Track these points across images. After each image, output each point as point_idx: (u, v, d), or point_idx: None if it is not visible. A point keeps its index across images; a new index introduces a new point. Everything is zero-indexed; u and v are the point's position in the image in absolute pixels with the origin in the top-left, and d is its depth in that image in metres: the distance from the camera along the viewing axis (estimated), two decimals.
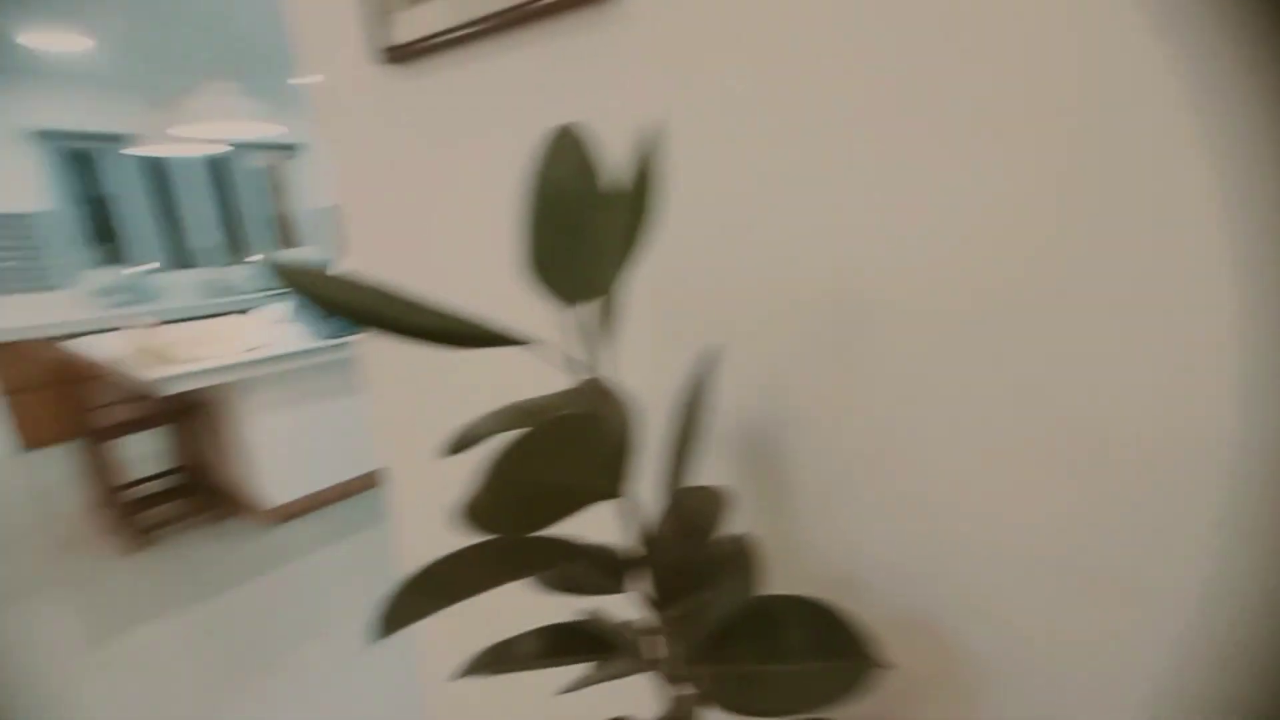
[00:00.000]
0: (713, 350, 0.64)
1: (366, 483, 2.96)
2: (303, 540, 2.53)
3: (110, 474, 2.67)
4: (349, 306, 0.47)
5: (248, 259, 5.36)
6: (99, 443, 2.64)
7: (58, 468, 3.59)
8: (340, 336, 2.68)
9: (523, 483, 0.42)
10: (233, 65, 3.83)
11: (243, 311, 4.03)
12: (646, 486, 0.69)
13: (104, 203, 4.56)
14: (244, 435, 2.60)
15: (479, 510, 0.42)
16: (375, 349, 1.20)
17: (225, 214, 5.19)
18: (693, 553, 0.59)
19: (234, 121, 2.43)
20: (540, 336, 0.77)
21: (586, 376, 0.53)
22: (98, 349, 2.66)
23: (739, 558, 0.62)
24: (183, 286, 4.84)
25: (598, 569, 0.59)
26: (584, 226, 0.54)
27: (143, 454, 3.44)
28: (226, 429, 2.71)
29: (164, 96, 2.96)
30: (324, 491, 2.80)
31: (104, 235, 4.57)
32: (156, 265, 4.76)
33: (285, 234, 5.71)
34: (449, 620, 1.29)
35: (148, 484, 2.88)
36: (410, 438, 1.18)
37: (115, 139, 4.44)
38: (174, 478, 3.08)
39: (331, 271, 0.48)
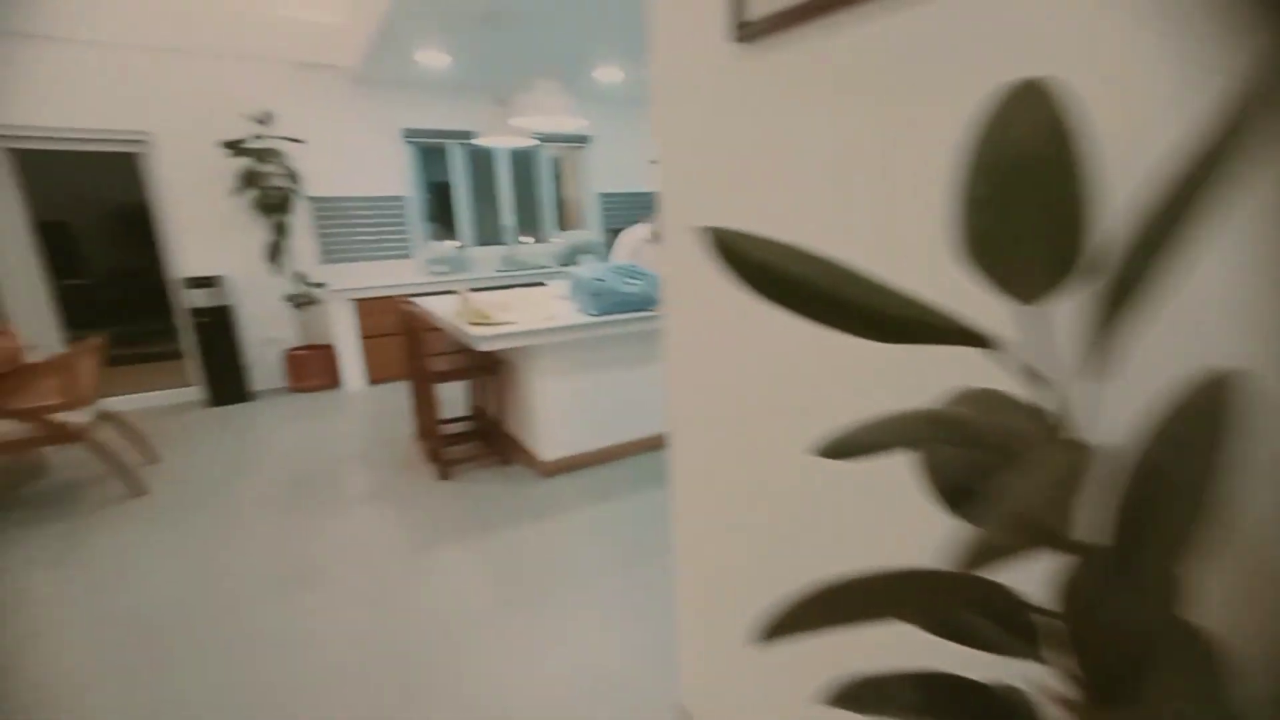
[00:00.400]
0: (1234, 377, 0.46)
1: (625, 450, 3.17)
2: (570, 495, 2.80)
3: (430, 411, 3.25)
4: (789, 277, 0.43)
5: (538, 237, 6.13)
6: (425, 384, 3.24)
7: (393, 400, 4.51)
8: (610, 314, 2.89)
9: (1027, 526, 0.34)
10: (553, 66, 4.37)
11: (540, 284, 4.66)
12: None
13: (442, 189, 5.58)
14: (530, 394, 2.95)
15: (980, 549, 0.34)
16: (680, 320, 1.21)
17: (522, 198, 5.99)
18: (1144, 628, 0.45)
19: (553, 116, 2.74)
20: (1001, 336, 0.66)
21: (1050, 396, 0.42)
22: (435, 308, 3.24)
23: (1201, 652, 0.46)
24: (488, 259, 5.72)
25: (1007, 622, 0.49)
26: (1054, 202, 0.43)
27: (448, 399, 4.15)
28: (516, 387, 3.11)
29: (501, 96, 3.53)
30: (589, 454, 3.07)
31: (439, 215, 5.61)
32: (468, 242, 5.71)
33: (567, 216, 6.41)
34: (711, 595, 1.28)
35: (453, 424, 3.47)
36: (700, 411, 1.17)
37: (457, 135, 5.40)
38: (470, 422, 3.66)
39: (777, 239, 0.44)
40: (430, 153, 5.46)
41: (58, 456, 3.46)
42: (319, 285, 4.73)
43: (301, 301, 4.72)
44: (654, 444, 3.27)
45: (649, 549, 2.35)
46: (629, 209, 6.48)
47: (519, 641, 1.86)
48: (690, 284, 1.13)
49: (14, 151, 3.98)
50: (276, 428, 4.01)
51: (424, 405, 3.31)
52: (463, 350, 3.19)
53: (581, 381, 2.98)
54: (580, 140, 6.11)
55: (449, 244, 5.53)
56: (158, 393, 4.61)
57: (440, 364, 3.00)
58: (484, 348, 2.58)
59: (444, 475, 3.03)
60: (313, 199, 4.81)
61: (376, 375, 4.93)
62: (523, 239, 6.08)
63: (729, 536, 1.13)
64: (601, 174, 6.31)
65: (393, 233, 5.25)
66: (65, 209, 6.40)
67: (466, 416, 3.66)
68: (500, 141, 3.57)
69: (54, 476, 3.27)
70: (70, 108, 3.99)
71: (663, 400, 1.10)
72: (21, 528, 2.70)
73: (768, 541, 1.03)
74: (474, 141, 5.24)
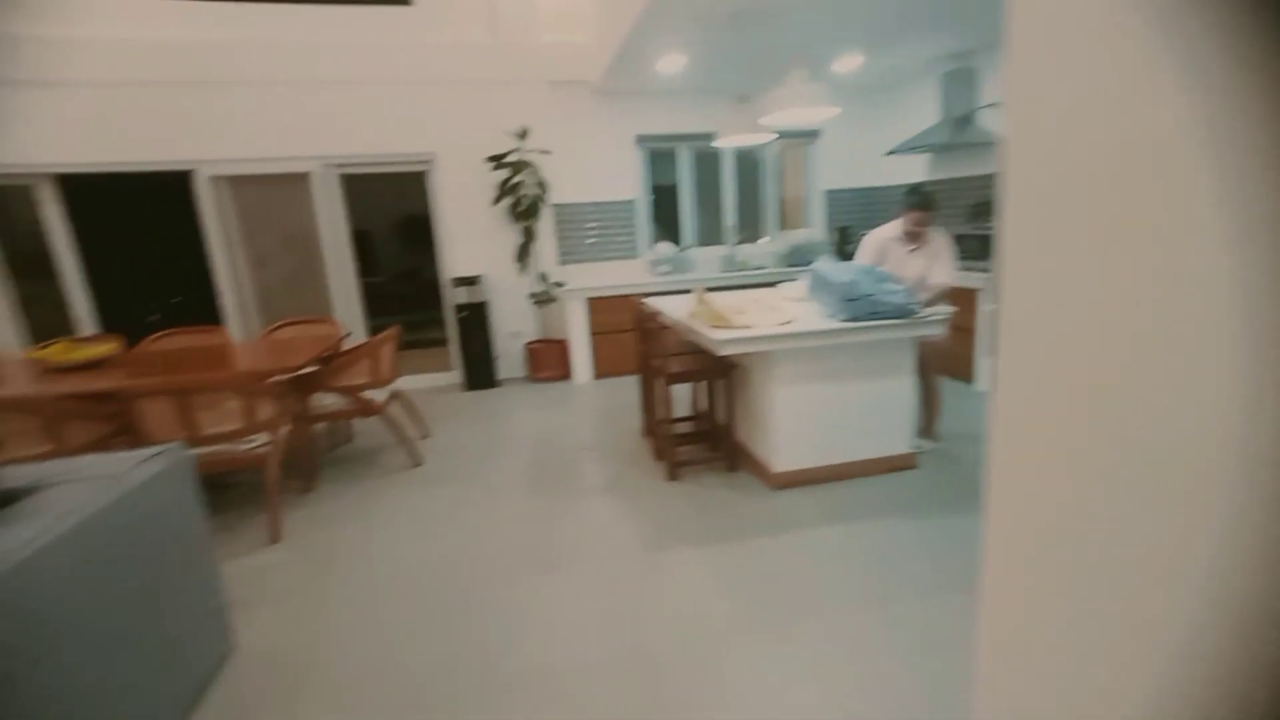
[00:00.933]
0: None
1: (859, 469, 2.91)
2: (803, 512, 2.63)
3: (658, 410, 3.30)
4: None
5: (758, 237, 6.00)
6: (656, 383, 3.29)
7: (618, 395, 4.72)
8: (857, 320, 2.64)
9: None
10: (794, 59, 4.20)
11: (765, 285, 4.54)
12: None
13: (666, 191, 5.72)
14: (764, 401, 2.84)
15: None
16: (1024, 304, 0.97)
17: (744, 198, 5.90)
18: None
19: (808, 108, 2.59)
20: None
21: None
22: (667, 307, 3.28)
23: None
24: (709, 260, 5.73)
25: None
26: None
27: (674, 397, 4.20)
28: (749, 392, 3.01)
29: (744, 94, 3.47)
30: (821, 469, 2.86)
31: (663, 217, 5.76)
32: (690, 242, 5.77)
33: (788, 215, 6.18)
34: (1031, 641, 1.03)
35: (680, 424, 3.49)
36: (1044, 437, 0.92)
37: (686, 137, 5.49)
38: (695, 423, 3.66)
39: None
40: (658, 157, 5.62)
41: (360, 426, 4.18)
42: (559, 284, 5.12)
43: (542, 299, 5.16)
44: (892, 465, 2.95)
45: (900, 584, 2.08)
46: (857, 206, 6.05)
47: (764, 668, 1.75)
48: (1052, 259, 0.89)
49: (343, 176, 4.91)
50: (519, 413, 4.41)
51: (653, 403, 3.37)
52: (696, 351, 3.18)
53: (820, 391, 2.78)
54: (809, 135, 5.84)
55: (670, 245, 5.64)
56: (427, 375, 5.39)
57: (673, 364, 3.02)
58: (724, 352, 2.52)
59: (672, 475, 3.05)
60: (556, 205, 5.22)
61: (603, 369, 5.20)
62: (742, 240, 5.99)
63: (1064, 573, 0.88)
64: (829, 170, 5.97)
65: (621, 235, 5.51)
66: (367, 220, 7.85)
67: (692, 417, 3.66)
68: (738, 141, 3.50)
69: (358, 443, 3.95)
70: (380, 138, 4.81)
71: (991, 402, 0.88)
72: (335, 484, 3.29)
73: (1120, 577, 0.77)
74: (712, 143, 5.31)
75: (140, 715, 1.47)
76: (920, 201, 2.97)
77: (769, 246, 5.92)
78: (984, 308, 3.99)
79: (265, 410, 2.67)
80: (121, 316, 5.05)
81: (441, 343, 5.47)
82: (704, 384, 3.46)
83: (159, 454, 1.73)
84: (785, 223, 6.15)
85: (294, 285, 5.05)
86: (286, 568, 2.46)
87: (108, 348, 3.14)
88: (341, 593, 2.26)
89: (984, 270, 4.02)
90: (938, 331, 2.80)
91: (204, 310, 4.97)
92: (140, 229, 5.89)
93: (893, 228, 3.19)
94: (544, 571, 2.32)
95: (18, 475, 1.56)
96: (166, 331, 3.76)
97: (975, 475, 2.91)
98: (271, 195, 4.83)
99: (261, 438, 2.74)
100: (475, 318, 5.01)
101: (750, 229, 6.02)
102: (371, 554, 2.53)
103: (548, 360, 5.21)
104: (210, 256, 4.76)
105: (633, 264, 5.56)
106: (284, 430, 2.83)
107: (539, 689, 1.73)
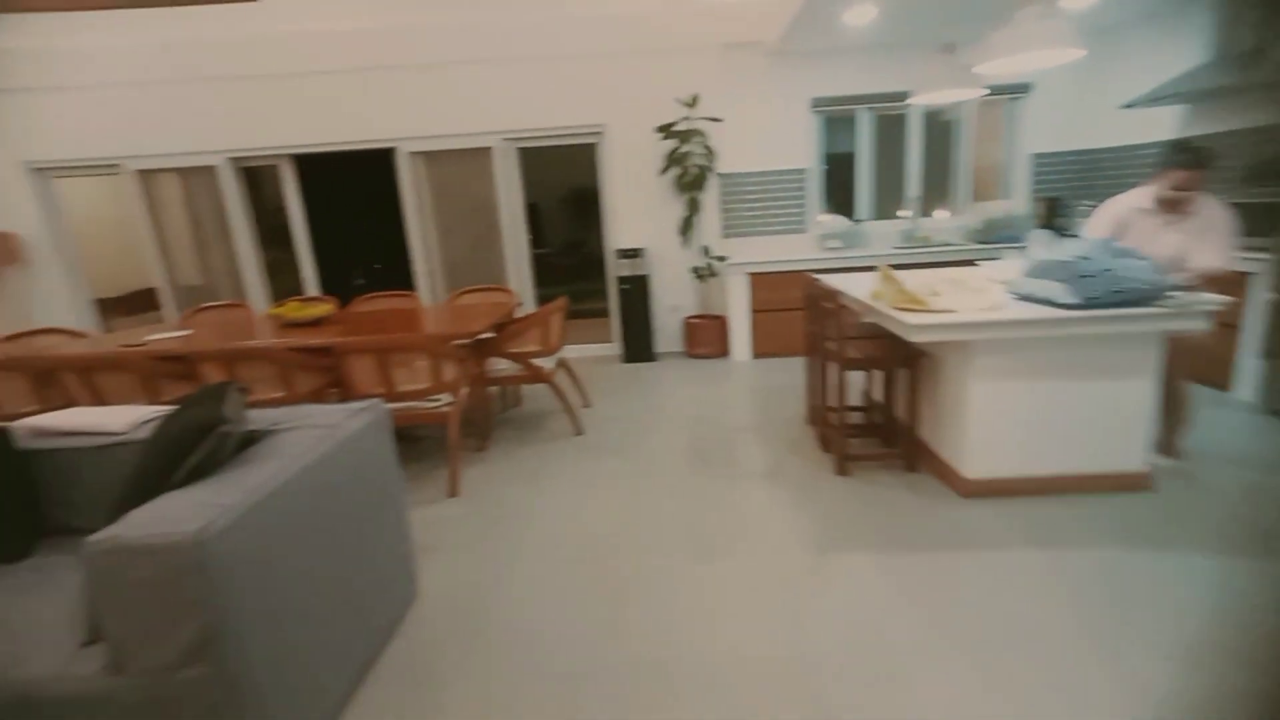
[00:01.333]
0: None
1: (1073, 485, 2.47)
2: (1001, 528, 2.28)
3: (829, 396, 3.06)
4: None
5: (946, 209, 5.36)
6: (826, 367, 3.05)
7: (778, 375, 4.50)
8: (1094, 305, 2.20)
9: None
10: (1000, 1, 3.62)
11: (955, 263, 4.04)
12: None
13: (839, 159, 5.29)
14: (958, 396, 2.49)
15: None
16: None
17: (931, 165, 5.28)
18: None
19: (1045, 49, 2.15)
20: None
21: None
22: (843, 286, 3.00)
23: None
24: (885, 235, 5.23)
25: None
26: None
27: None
28: (938, 384, 2.68)
29: (948, 43, 3.02)
30: (1024, 480, 2.47)
31: (836, 187, 5.33)
32: (865, 215, 5.30)
33: (982, 185, 5.44)
34: None
35: (851, 413, 3.21)
36: None
37: (869, 99, 5.01)
38: (868, 414, 3.36)
39: None
40: (833, 122, 5.19)
41: (527, 391, 4.39)
42: (721, 259, 4.97)
43: (704, 274, 5.04)
44: (1120, 483, 2.46)
45: (1131, 635, 1.71)
46: (1072, 173, 5.16)
47: (962, 700, 1.52)
48: None
49: (520, 150, 5.13)
50: (677, 388, 4.37)
51: (822, 388, 3.14)
52: (875, 335, 2.89)
53: (1031, 389, 2.38)
54: (1017, 91, 5.05)
55: (840, 219, 5.21)
56: (588, 345, 5.54)
57: (851, 349, 2.76)
58: (918, 338, 2.23)
59: (841, 470, 2.81)
60: (722, 175, 5.04)
61: (762, 348, 5.00)
62: (925, 212, 5.39)
63: None
64: (1038, 131, 5.14)
65: (789, 207, 5.21)
66: (536, 193, 8.24)
67: (864, 406, 3.37)
68: (938, 98, 3.07)
69: (525, 407, 4.16)
70: (555, 111, 4.93)
71: None
72: (506, 444, 3.47)
73: None
74: (903, 103, 4.81)
75: (338, 655, 1.62)
76: (1191, 159, 2.37)
77: (958, 220, 5.27)
78: (1259, 297, 3.19)
79: (449, 371, 2.86)
80: (335, 279, 5.76)
81: (602, 314, 5.59)
82: (881, 372, 3.15)
83: (365, 408, 1.88)
84: (978, 193, 5.42)
85: (474, 254, 5.41)
86: (462, 521, 2.63)
87: (326, 308, 3.56)
88: (511, 550, 2.36)
89: (1262, 250, 3.21)
90: (1201, 326, 2.25)
91: (400, 275, 5.51)
92: (351, 202, 6.66)
93: (1139, 195, 2.61)
94: (704, 558, 2.24)
95: (260, 418, 1.78)
96: (370, 295, 4.19)
97: (1233, 506, 2.34)
98: (458, 169, 5.18)
99: (445, 397, 2.95)
100: (636, 290, 5.03)
101: (936, 200, 5.39)
102: (538, 516, 2.62)
103: (706, 336, 5.11)
104: (406, 226, 5.24)
105: (799, 238, 5.23)
106: (464, 391, 3.01)
107: (699, 678, 1.66)
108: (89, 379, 2.77)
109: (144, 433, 1.81)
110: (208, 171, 5.14)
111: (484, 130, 4.99)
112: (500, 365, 3.55)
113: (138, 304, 5.59)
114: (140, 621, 1.19)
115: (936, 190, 5.37)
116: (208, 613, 1.18)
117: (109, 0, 4.14)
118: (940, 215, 5.35)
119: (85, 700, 1.23)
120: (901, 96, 4.92)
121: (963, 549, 2.17)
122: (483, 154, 5.10)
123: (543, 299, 5.36)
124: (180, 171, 5.18)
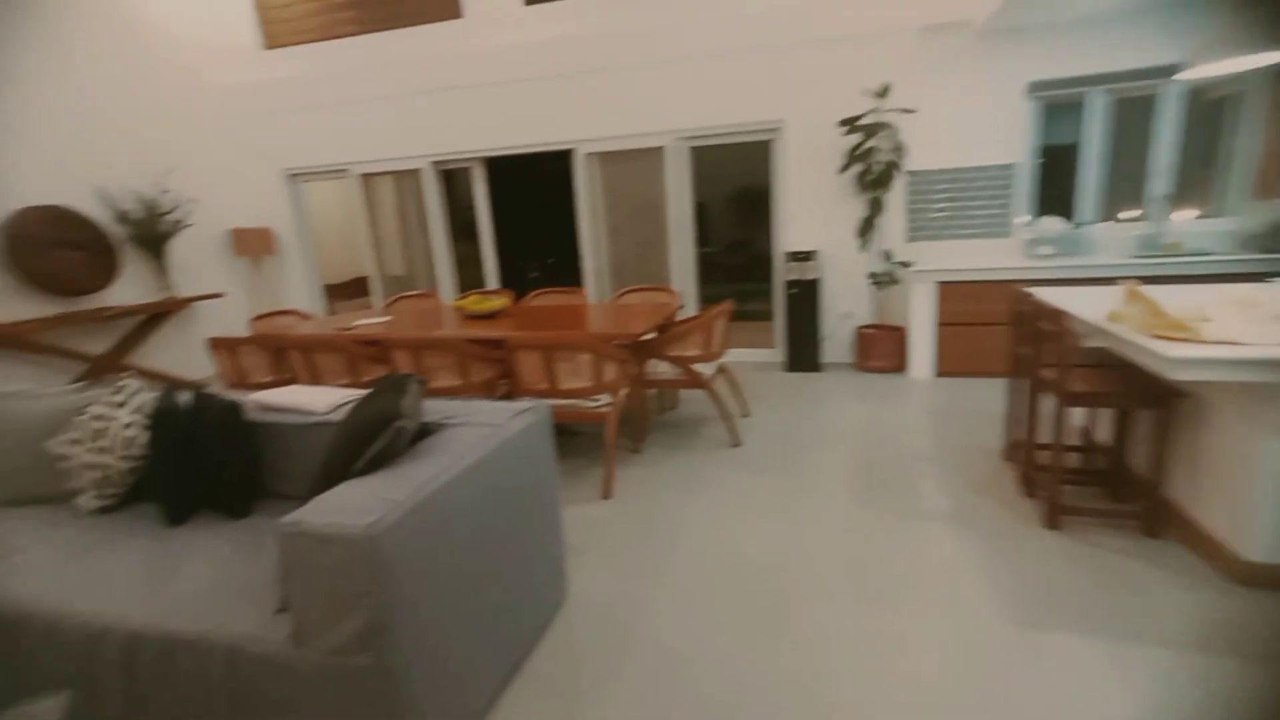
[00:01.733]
0: None
1: None
2: None
3: (1035, 430, 2.58)
4: None
5: (1184, 210, 4.36)
6: (1036, 396, 2.57)
7: (965, 398, 3.95)
8: None
9: None
10: None
11: (1223, 278, 3.17)
12: None
13: (1057, 152, 4.51)
14: (1240, 452, 1.94)
15: None
16: None
17: (1188, 156, 4.31)
18: None
19: None
20: None
21: None
22: (1065, 302, 2.50)
23: None
24: (1116, 241, 4.38)
25: None
26: None
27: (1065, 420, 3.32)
28: (1204, 434, 2.12)
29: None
30: None
31: (1050, 185, 4.57)
32: (1087, 217, 4.47)
33: (1267, 179, 4.32)
34: None
35: (1067, 454, 2.69)
36: None
37: (1106, 79, 4.21)
38: (1087, 457, 2.79)
39: None
40: (1054, 110, 4.44)
41: (684, 395, 4.31)
42: (905, 264, 4.50)
43: (883, 280, 4.60)
44: None
45: None
46: None
47: None
48: None
49: (692, 149, 5.05)
50: (845, 404, 4.02)
51: (1032, 421, 2.66)
52: (1106, 364, 2.37)
53: None
54: None
55: (1057, 220, 4.44)
56: (749, 350, 5.33)
57: (1076, 380, 2.28)
58: (1181, 375, 1.75)
59: (1051, 522, 2.35)
60: (911, 173, 4.55)
61: (947, 366, 4.44)
62: (1175, 213, 4.42)
63: None
64: None
65: (989, 207, 4.54)
66: (703, 192, 8.16)
67: (1083, 447, 2.81)
68: (1229, 66, 2.43)
69: (681, 410, 4.08)
70: (730, 108, 4.78)
71: None
72: (660, 449, 3.40)
73: None
74: (1169, 78, 4.01)
75: (489, 657, 1.63)
76: None
77: (1224, 223, 4.26)
78: None
79: (610, 371, 2.84)
80: (512, 272, 6.14)
81: (765, 317, 5.34)
82: (1112, 410, 2.59)
83: (529, 409, 1.88)
84: (1260, 190, 4.32)
85: (639, 253, 5.45)
86: (613, 524, 2.59)
87: (502, 301, 3.75)
88: (661, 561, 2.27)
89: None
90: None
91: (569, 271, 5.72)
92: (530, 200, 7.06)
93: None
94: (874, 607, 1.97)
95: (434, 409, 1.85)
96: (541, 290, 4.37)
97: None
98: (629, 169, 5.24)
99: (605, 397, 2.94)
100: (805, 295, 4.72)
101: (1189, 198, 4.40)
102: (689, 528, 2.50)
103: (881, 348, 4.66)
104: (578, 224, 5.41)
105: (1000, 243, 4.56)
106: (623, 392, 2.98)
107: None
108: (309, 357, 3.16)
109: (339, 415, 1.97)
110: (414, 174, 5.73)
111: (658, 130, 4.98)
112: (660, 367, 3.49)
113: (354, 290, 6.44)
114: (318, 603, 1.25)
115: (1195, 186, 4.38)
116: (375, 604, 1.21)
117: (348, 28, 4.74)
118: (1182, 216, 4.35)
119: (273, 664, 1.32)
120: (1153, 73, 4.08)
121: (1234, 655, 1.67)
122: (654, 154, 5.10)
123: (706, 299, 5.24)
124: (393, 174, 5.84)
